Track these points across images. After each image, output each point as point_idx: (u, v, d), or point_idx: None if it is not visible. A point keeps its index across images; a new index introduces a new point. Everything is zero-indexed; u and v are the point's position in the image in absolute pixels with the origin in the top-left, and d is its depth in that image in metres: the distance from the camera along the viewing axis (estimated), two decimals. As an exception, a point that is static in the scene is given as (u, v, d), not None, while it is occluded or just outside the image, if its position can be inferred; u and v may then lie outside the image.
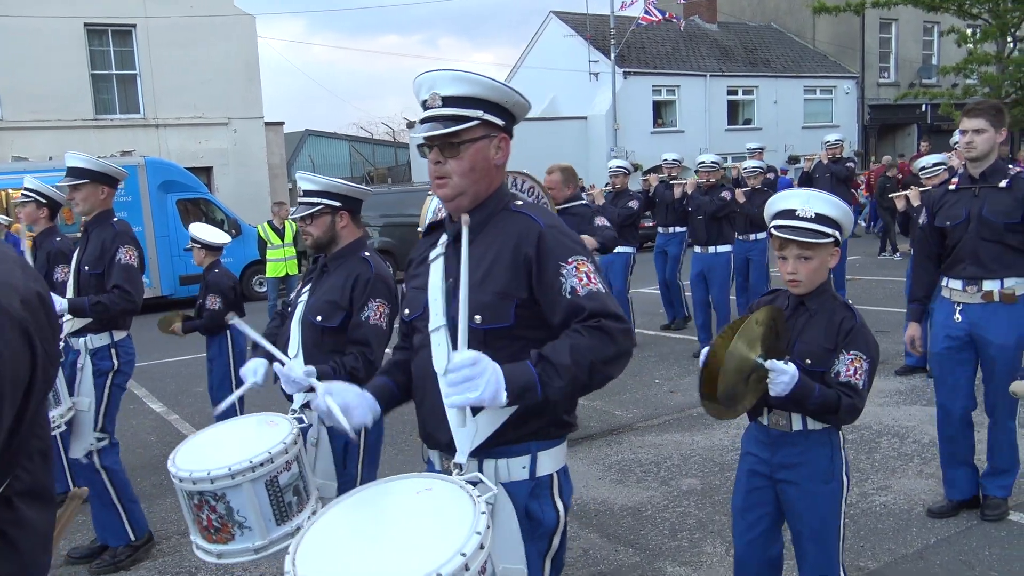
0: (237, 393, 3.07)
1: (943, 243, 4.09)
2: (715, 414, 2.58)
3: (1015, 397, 3.87)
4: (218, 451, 2.62)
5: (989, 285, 3.91)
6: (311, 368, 2.74)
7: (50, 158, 16.21)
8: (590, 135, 26.54)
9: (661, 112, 27.95)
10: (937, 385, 4.20)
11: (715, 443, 5.47)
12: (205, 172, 19.30)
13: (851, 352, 2.57)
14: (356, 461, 3.05)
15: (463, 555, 1.63)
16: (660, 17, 24.44)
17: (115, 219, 4.35)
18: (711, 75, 28.02)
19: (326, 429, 2.98)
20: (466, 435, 2.00)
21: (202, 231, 5.91)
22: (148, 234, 15.19)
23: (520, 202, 2.18)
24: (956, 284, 4.02)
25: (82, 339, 4.18)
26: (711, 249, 8.04)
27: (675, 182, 8.73)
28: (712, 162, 8.15)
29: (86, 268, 4.21)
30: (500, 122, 2.07)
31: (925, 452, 5.06)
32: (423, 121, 2.07)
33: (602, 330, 1.93)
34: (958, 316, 4.00)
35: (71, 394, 4.11)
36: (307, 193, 3.10)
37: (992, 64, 16.97)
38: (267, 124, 20.96)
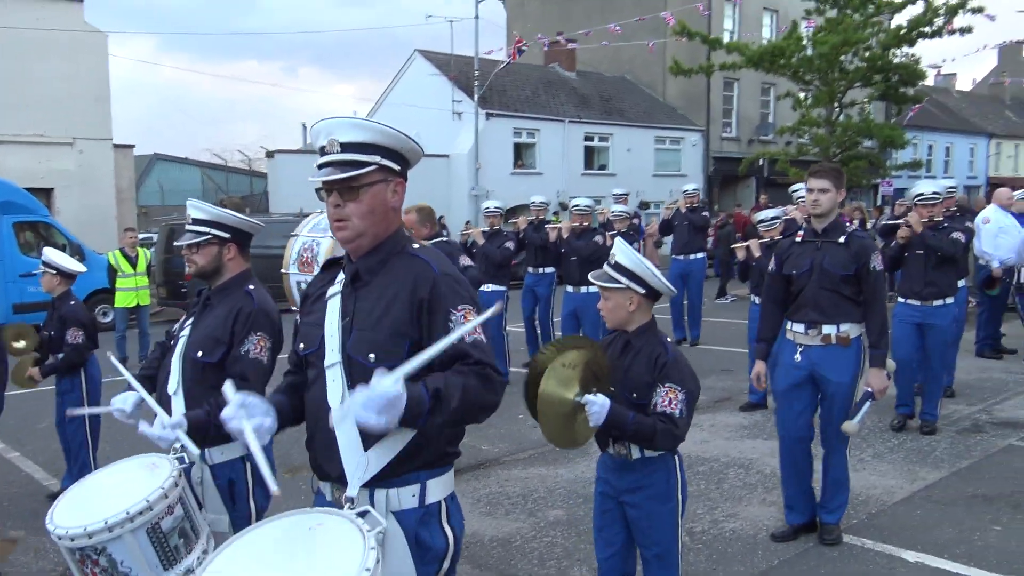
0: (98, 409, 3.00)
1: (788, 289, 4.52)
2: (562, 447, 2.89)
3: (845, 435, 4.34)
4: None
5: (827, 329, 4.36)
6: (179, 420, 2.69)
7: None
8: (452, 173, 26.89)
9: (521, 154, 28.70)
10: (779, 419, 4.60)
11: (578, 475, 5.71)
12: (45, 193, 18.16)
13: (666, 384, 2.88)
14: (245, 496, 3.00)
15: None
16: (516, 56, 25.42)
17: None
18: (569, 120, 29.08)
19: (208, 468, 2.94)
20: (358, 468, 2.09)
21: (58, 256, 5.57)
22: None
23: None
24: (799, 327, 4.44)
25: None
26: (583, 289, 8.39)
27: (550, 226, 9.04)
28: (586, 206, 8.52)
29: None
30: (396, 167, 2.19)
31: (767, 482, 5.49)
32: (321, 166, 2.16)
33: (489, 379, 2.07)
34: (799, 356, 4.42)
35: None
36: (196, 221, 3.07)
37: (821, 126, 18.61)
38: (116, 146, 20.02)
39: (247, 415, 2.10)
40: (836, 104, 18.28)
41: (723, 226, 17.38)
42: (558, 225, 8.99)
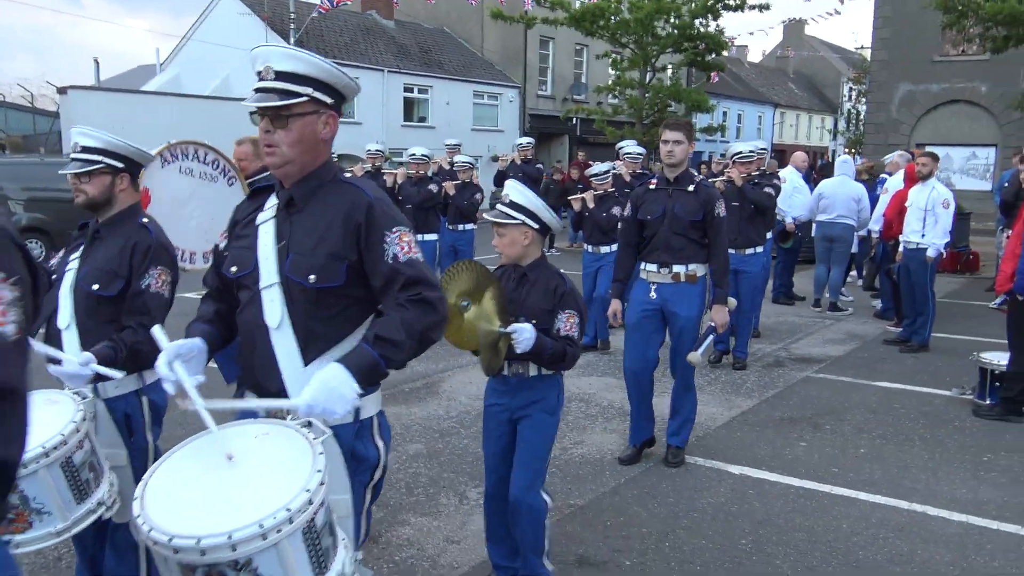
0: None
1: (642, 233, 4.93)
2: (490, 374, 3.26)
3: (691, 365, 4.83)
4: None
5: (677, 268, 4.82)
6: (88, 356, 2.67)
7: None
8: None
9: (335, 102, 28.06)
10: (628, 349, 5.01)
11: (431, 413, 5.94)
12: None
13: (566, 311, 3.20)
14: (142, 429, 2.97)
15: (307, 491, 1.83)
16: (329, 6, 24.56)
17: None
18: (388, 70, 28.72)
19: (102, 402, 2.89)
20: (298, 383, 2.20)
21: None
22: None
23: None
24: (652, 267, 4.87)
25: None
26: (419, 237, 8.52)
27: (386, 172, 9.06)
28: (423, 155, 8.62)
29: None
30: (328, 100, 2.26)
31: (606, 413, 5.97)
32: (256, 91, 2.22)
33: (424, 301, 2.21)
34: (653, 294, 4.85)
35: None
36: (86, 149, 2.95)
37: (635, 88, 19.65)
38: None
39: (186, 371, 2.14)
40: (649, 68, 19.33)
41: (547, 190, 18.02)
42: (393, 172, 9.04)
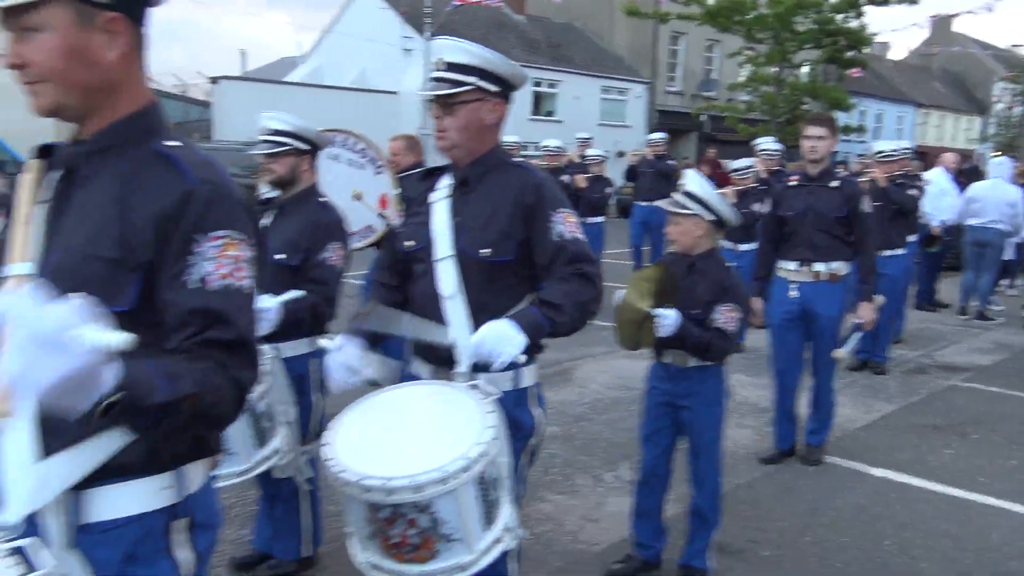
0: None
1: (782, 231, 4.88)
2: (627, 349, 3.30)
3: (836, 360, 4.77)
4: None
5: (818, 267, 4.74)
6: (280, 300, 2.96)
7: None
8: (400, 110, 26.64)
9: (467, 95, 28.60)
10: (777, 351, 4.96)
11: (565, 398, 6.07)
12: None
13: (727, 304, 3.22)
14: (310, 388, 3.27)
15: (480, 443, 2.02)
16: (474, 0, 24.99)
17: None
18: (519, 65, 28.95)
19: (280, 360, 3.13)
20: (467, 351, 2.36)
21: None
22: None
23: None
24: (792, 265, 4.82)
25: None
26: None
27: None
28: (556, 147, 8.77)
29: None
30: (493, 88, 2.41)
31: (740, 409, 5.91)
32: (431, 80, 2.44)
33: (585, 276, 2.37)
34: (794, 292, 4.79)
35: None
36: (275, 132, 3.23)
37: (771, 85, 19.18)
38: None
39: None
40: (786, 64, 18.84)
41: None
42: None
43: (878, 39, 39.95)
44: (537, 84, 29.94)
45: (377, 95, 26.71)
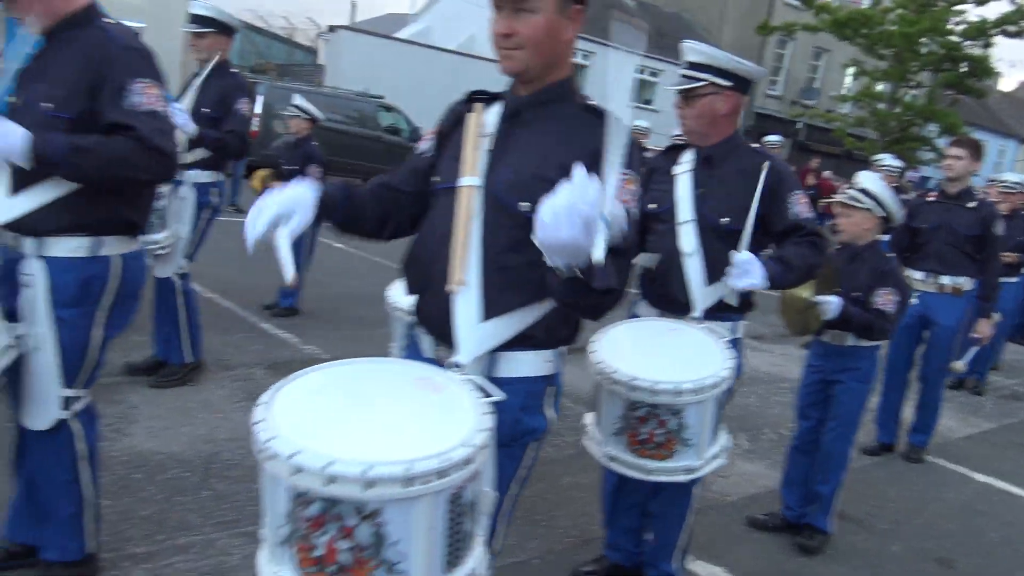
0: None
1: (913, 241, 5.23)
2: (795, 334, 3.80)
3: (948, 371, 5.12)
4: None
5: (944, 279, 5.09)
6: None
7: None
8: (505, 80, 27.05)
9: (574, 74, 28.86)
10: (892, 347, 5.32)
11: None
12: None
13: (886, 288, 3.63)
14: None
15: (725, 370, 2.36)
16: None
17: (233, 69, 4.76)
18: (625, 50, 29.15)
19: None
20: (703, 299, 2.84)
21: (306, 103, 6.56)
22: None
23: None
24: (919, 275, 5.17)
25: (189, 172, 4.57)
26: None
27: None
28: (644, 128, 9.10)
29: (206, 110, 4.55)
30: (725, 83, 2.83)
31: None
32: (680, 76, 2.92)
33: (815, 243, 2.85)
34: (915, 299, 5.15)
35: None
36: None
37: (885, 102, 19.10)
38: (191, -7, 20.12)
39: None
40: (903, 83, 18.74)
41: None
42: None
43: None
44: (640, 71, 30.05)
45: (483, 62, 27.14)
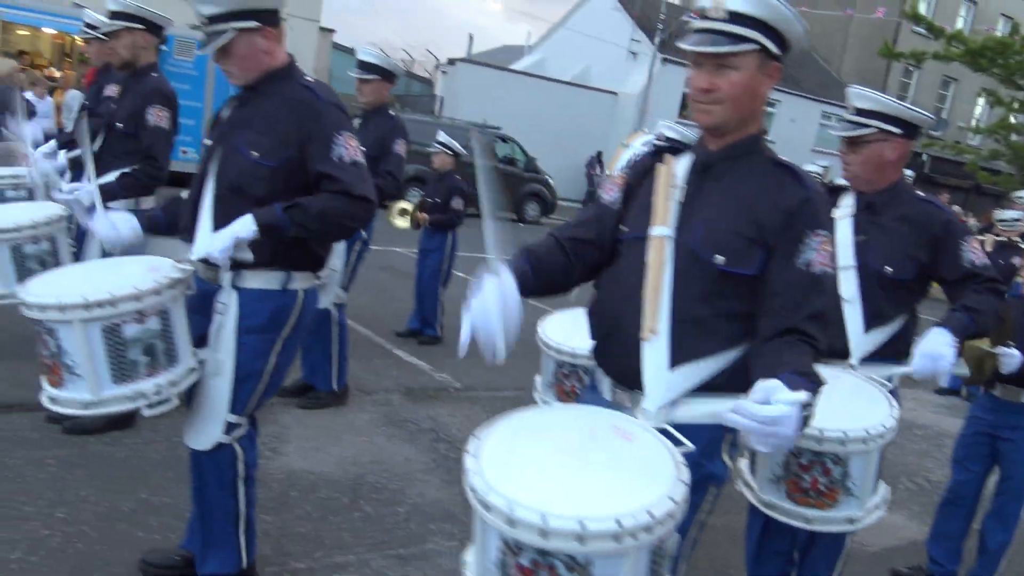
0: None
1: None
2: (971, 383, 3.56)
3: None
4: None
5: None
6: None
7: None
8: (618, 112, 27.18)
9: (687, 104, 28.71)
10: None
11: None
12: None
13: None
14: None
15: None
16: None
17: (155, 73, 4.06)
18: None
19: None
20: (863, 349, 2.79)
21: (449, 138, 6.87)
22: (205, 112, 15.37)
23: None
24: None
25: None
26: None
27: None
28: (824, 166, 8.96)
29: (119, 126, 4.00)
30: (896, 130, 2.76)
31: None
32: (845, 122, 2.80)
33: (997, 292, 2.78)
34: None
35: None
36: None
37: (1022, 133, 18.19)
38: (321, 29, 21.12)
39: None
40: (1045, 114, 17.84)
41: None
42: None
43: None
44: (756, 102, 29.63)
45: (598, 93, 27.35)
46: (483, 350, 1.78)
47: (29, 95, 9.05)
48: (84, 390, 2.31)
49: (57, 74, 14.25)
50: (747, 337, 1.89)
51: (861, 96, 2.85)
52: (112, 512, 3.27)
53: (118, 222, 2.66)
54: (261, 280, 2.54)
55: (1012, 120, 18.20)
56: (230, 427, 2.59)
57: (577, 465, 1.64)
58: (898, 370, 2.77)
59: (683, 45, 1.90)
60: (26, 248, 3.59)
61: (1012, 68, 17.51)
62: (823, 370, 2.70)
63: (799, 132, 29.75)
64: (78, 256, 3.95)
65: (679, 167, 2.02)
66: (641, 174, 2.10)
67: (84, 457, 3.70)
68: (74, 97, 9.36)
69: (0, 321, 5.39)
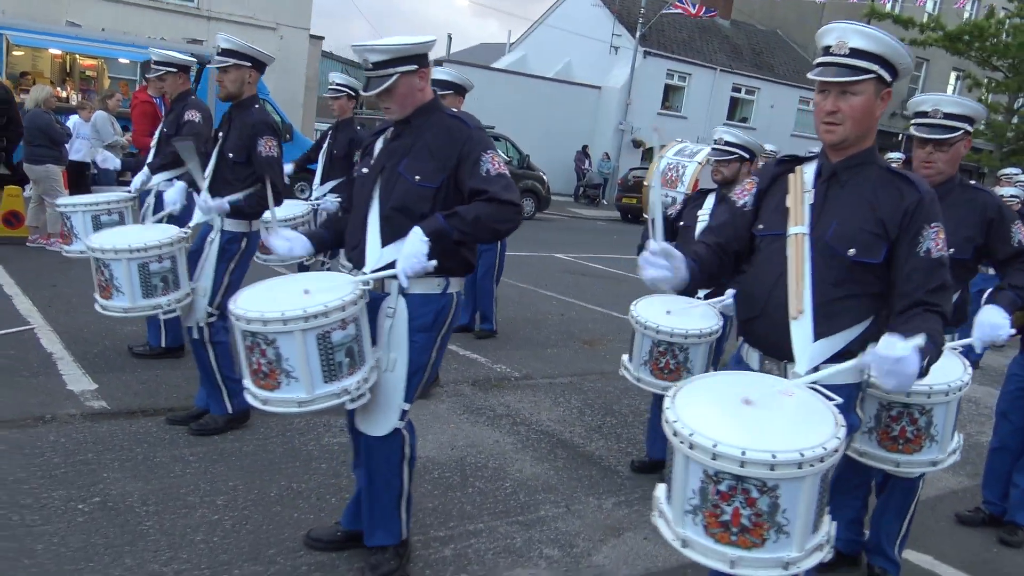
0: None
1: None
2: None
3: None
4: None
5: None
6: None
7: (102, 29, 16.57)
8: (601, 106, 27.66)
9: (669, 96, 29.27)
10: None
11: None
12: (249, 72, 19.69)
13: None
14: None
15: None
16: (692, 12, 25.54)
17: (257, 105, 4.36)
18: (720, 69, 29.44)
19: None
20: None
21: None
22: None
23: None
24: None
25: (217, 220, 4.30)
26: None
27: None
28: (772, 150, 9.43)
29: (230, 156, 4.30)
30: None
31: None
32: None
33: None
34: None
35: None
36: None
37: (1001, 114, 18.86)
38: (311, 36, 21.40)
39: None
40: (1021, 94, 18.51)
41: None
42: None
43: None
44: (736, 90, 30.24)
45: (581, 88, 27.81)
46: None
47: (75, 119, 9.30)
48: (300, 390, 2.68)
49: (72, 96, 14.43)
50: (874, 313, 2.34)
51: (952, 103, 3.23)
52: (263, 498, 3.67)
53: (293, 241, 3.06)
54: (424, 286, 2.94)
55: (989, 100, 18.88)
56: (403, 413, 3.00)
57: (755, 414, 2.07)
58: (964, 341, 3.22)
59: (811, 76, 2.34)
60: (152, 266, 3.99)
61: (989, 51, 18.16)
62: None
63: (778, 118, 30.43)
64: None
65: (806, 175, 2.46)
66: (769, 180, 2.54)
67: (218, 453, 4.09)
68: (103, 120, 9.61)
69: (102, 336, 5.78)
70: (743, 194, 2.60)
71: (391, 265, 2.83)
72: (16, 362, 5.06)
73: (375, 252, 2.91)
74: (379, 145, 3.08)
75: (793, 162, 2.53)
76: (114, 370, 5.12)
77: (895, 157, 11.57)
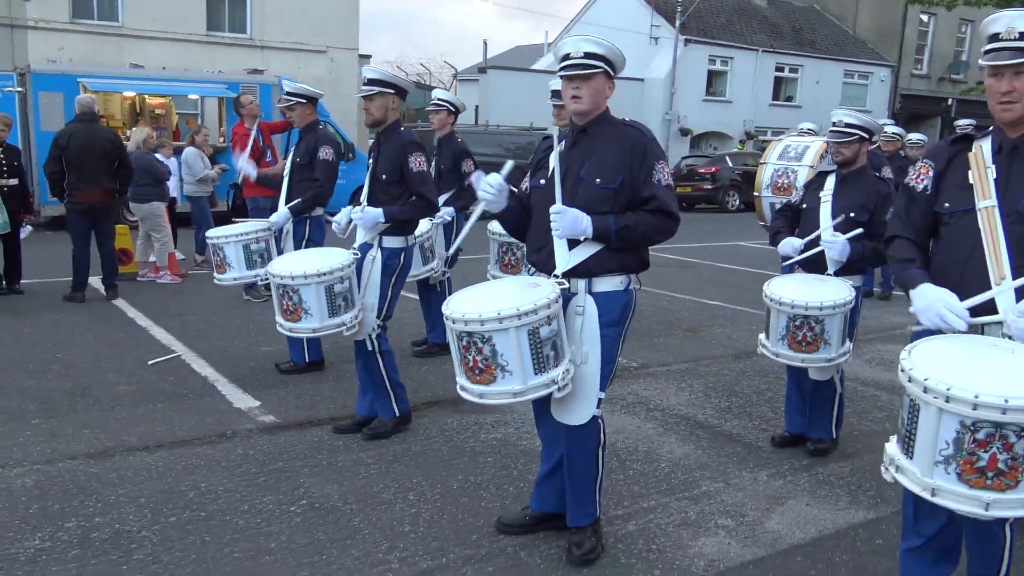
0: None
1: None
2: None
3: None
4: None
5: None
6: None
7: (163, 68, 17.21)
8: (646, 98, 27.76)
9: (713, 81, 29.26)
10: None
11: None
12: (305, 96, 20.20)
13: None
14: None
15: None
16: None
17: (402, 128, 4.63)
18: (762, 50, 29.35)
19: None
20: None
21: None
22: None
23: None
24: None
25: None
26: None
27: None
28: (809, 129, 9.41)
29: (383, 177, 4.59)
30: None
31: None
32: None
33: None
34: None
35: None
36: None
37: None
38: (360, 56, 21.90)
39: None
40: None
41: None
42: None
43: None
44: (780, 70, 30.11)
45: (624, 82, 27.90)
46: None
47: (159, 156, 9.78)
48: (515, 382, 2.95)
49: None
50: None
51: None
52: (447, 491, 3.97)
53: (501, 192, 3.27)
54: (610, 284, 3.21)
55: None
56: (599, 403, 3.27)
57: (994, 366, 2.24)
58: None
59: (983, 62, 2.55)
60: (336, 287, 4.33)
61: None
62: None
63: (824, 93, 30.20)
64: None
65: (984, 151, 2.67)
66: (946, 159, 2.75)
67: (392, 455, 4.42)
68: (194, 156, 10.08)
69: (244, 357, 6.16)
70: (920, 179, 2.80)
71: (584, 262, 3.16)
72: (178, 387, 5.46)
73: (563, 254, 3.19)
74: (553, 158, 3.35)
75: (967, 140, 2.72)
76: (268, 387, 5.49)
77: (964, 124, 11.54)
